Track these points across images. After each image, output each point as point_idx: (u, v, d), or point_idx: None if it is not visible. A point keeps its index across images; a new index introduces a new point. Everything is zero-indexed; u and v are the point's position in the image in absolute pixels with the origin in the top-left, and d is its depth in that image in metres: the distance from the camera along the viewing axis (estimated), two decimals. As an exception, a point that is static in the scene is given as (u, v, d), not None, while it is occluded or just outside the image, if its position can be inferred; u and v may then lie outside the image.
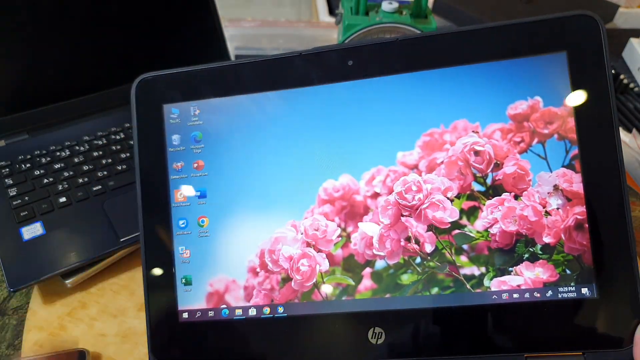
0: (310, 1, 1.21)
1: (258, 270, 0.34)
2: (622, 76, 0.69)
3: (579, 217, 0.31)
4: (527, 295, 0.31)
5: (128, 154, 0.54)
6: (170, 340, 0.35)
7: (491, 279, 0.32)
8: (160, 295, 0.35)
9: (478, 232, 0.32)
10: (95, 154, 0.54)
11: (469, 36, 0.33)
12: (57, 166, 0.52)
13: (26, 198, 0.49)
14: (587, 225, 0.31)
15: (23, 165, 0.52)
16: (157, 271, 0.35)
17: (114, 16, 0.59)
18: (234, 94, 0.35)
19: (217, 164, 0.35)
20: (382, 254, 0.33)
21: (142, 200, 0.36)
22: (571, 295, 0.31)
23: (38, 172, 0.51)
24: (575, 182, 0.31)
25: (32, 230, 0.46)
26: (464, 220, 0.32)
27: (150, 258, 0.35)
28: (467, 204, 0.32)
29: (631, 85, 0.69)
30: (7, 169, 0.52)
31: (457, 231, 0.32)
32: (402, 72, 0.33)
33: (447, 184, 0.33)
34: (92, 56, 0.59)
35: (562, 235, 0.31)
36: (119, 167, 0.52)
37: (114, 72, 0.61)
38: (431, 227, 0.33)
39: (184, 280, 0.35)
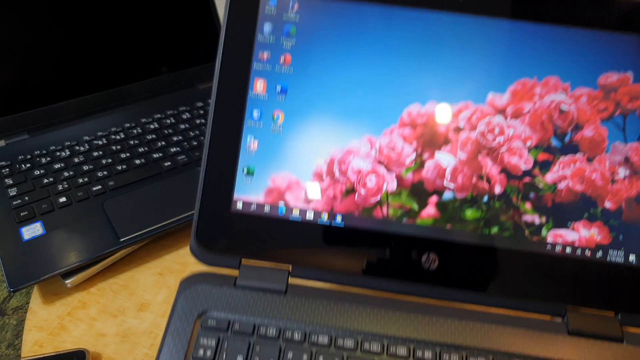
0: None
1: (324, 176, 0.34)
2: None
3: (641, 190, 0.33)
4: (579, 252, 0.33)
5: (128, 154, 0.54)
6: (217, 227, 0.34)
7: (549, 230, 0.33)
8: (217, 180, 0.34)
9: (546, 184, 0.33)
10: (95, 154, 0.54)
11: (583, 1, 0.34)
12: (57, 166, 0.52)
13: (26, 198, 0.48)
14: (647, 199, 0.33)
15: (23, 165, 0.52)
16: (219, 155, 0.34)
17: (114, 17, 0.59)
18: (338, -2, 0.35)
19: (305, 63, 0.35)
20: (452, 186, 0.34)
21: (218, 82, 0.34)
22: (619, 259, 0.33)
23: (38, 172, 0.51)
24: (645, 158, 0.33)
25: (32, 230, 0.46)
26: (536, 171, 0.34)
27: (215, 140, 0.34)
28: (542, 156, 0.34)
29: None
30: (7, 169, 0.52)
31: (527, 179, 0.34)
32: (511, 18, 0.34)
33: (528, 133, 0.34)
34: (92, 56, 0.59)
35: (623, 204, 0.33)
36: (119, 167, 0.52)
37: (114, 72, 0.61)
38: (504, 171, 0.34)
39: (245, 170, 0.34)
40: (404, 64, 0.34)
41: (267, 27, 0.35)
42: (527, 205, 0.33)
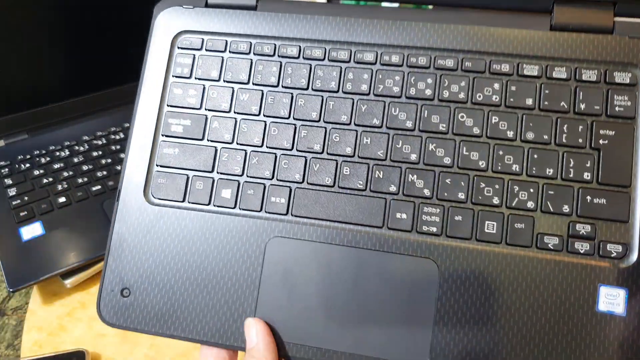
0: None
1: None
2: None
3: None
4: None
5: (128, 154, 0.55)
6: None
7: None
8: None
9: None
10: (94, 153, 0.54)
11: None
12: (56, 166, 0.52)
13: (26, 198, 0.49)
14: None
15: (23, 165, 0.52)
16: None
17: (114, 17, 0.58)
18: None
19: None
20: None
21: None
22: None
23: (38, 172, 0.52)
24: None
25: (31, 230, 0.46)
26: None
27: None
28: None
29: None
30: (7, 169, 0.52)
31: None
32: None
33: None
34: (93, 56, 0.59)
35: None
36: (119, 167, 0.52)
37: (114, 72, 0.60)
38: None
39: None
40: None
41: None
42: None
